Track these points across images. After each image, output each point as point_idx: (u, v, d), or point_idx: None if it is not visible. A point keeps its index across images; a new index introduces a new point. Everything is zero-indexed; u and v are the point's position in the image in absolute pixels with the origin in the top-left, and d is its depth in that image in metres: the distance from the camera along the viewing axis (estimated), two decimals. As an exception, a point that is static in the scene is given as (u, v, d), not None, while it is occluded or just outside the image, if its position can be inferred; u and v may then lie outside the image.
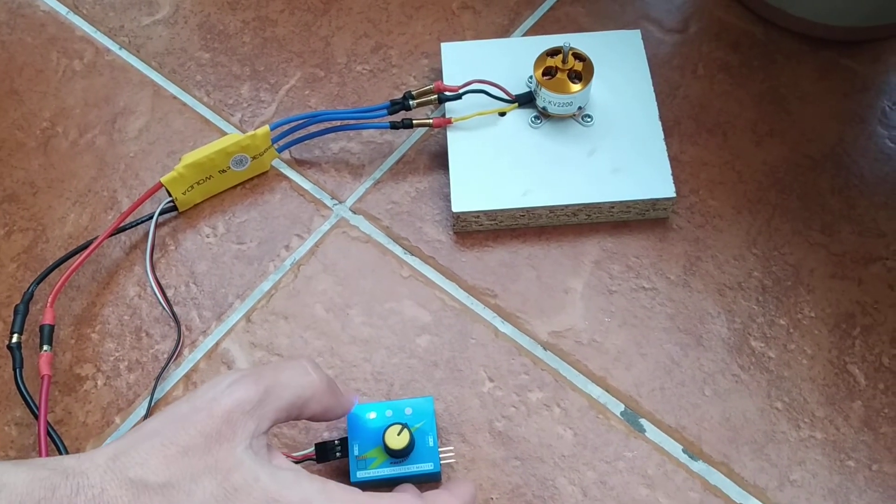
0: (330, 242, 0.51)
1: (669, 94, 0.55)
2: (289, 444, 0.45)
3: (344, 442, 0.43)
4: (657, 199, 0.49)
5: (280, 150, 0.52)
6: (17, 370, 0.45)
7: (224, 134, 0.55)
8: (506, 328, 0.48)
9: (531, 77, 0.51)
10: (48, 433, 0.43)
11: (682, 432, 0.45)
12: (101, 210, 0.53)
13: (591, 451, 0.44)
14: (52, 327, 0.46)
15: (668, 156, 0.50)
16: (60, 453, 0.44)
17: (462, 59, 0.53)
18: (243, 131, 0.55)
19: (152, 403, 0.46)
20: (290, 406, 0.37)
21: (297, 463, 0.43)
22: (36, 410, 0.44)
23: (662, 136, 0.50)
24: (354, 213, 0.52)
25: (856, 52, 0.56)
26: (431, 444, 0.43)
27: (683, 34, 0.57)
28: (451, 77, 0.52)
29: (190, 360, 0.48)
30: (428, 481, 0.43)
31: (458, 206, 0.49)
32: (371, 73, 0.57)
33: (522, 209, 0.49)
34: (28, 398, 0.44)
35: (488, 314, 0.48)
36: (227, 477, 0.34)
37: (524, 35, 0.58)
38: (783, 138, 0.53)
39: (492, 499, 0.43)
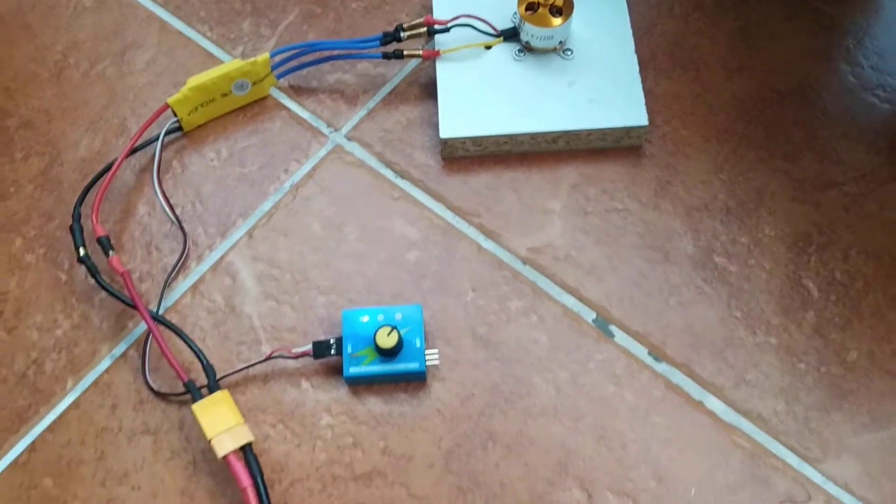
0: (326, 167, 0.55)
1: (647, 30, 0.58)
2: (287, 345, 0.49)
3: (338, 341, 0.47)
4: (631, 127, 0.52)
5: (279, 77, 0.56)
6: (97, 276, 0.49)
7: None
8: (488, 245, 0.52)
9: (515, 13, 0.54)
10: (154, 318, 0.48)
11: (648, 337, 0.49)
12: (111, 136, 0.56)
13: (564, 353, 0.48)
14: (107, 237, 0.50)
15: (644, 88, 0.53)
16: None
17: None
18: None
19: (160, 311, 0.50)
20: None
21: (295, 359, 0.48)
22: (131, 303, 0.48)
23: (637, 69, 0.54)
24: (349, 140, 0.56)
25: (823, -8, 0.59)
26: (418, 345, 0.47)
27: (661, -25, 0.60)
28: (441, 12, 0.56)
29: (197, 271, 0.52)
30: (414, 380, 0.48)
31: (445, 132, 0.52)
32: (365, 9, 0.60)
33: (506, 136, 0.52)
34: (117, 295, 0.49)
35: (472, 232, 0.52)
36: None
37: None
38: (752, 73, 0.57)
39: (473, 394, 0.47)
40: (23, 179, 0.55)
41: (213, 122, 0.56)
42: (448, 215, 0.53)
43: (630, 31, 0.55)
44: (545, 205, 0.53)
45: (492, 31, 0.54)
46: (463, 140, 0.52)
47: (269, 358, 0.48)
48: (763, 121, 0.55)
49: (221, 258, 0.52)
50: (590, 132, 0.53)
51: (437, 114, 0.53)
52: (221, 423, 0.43)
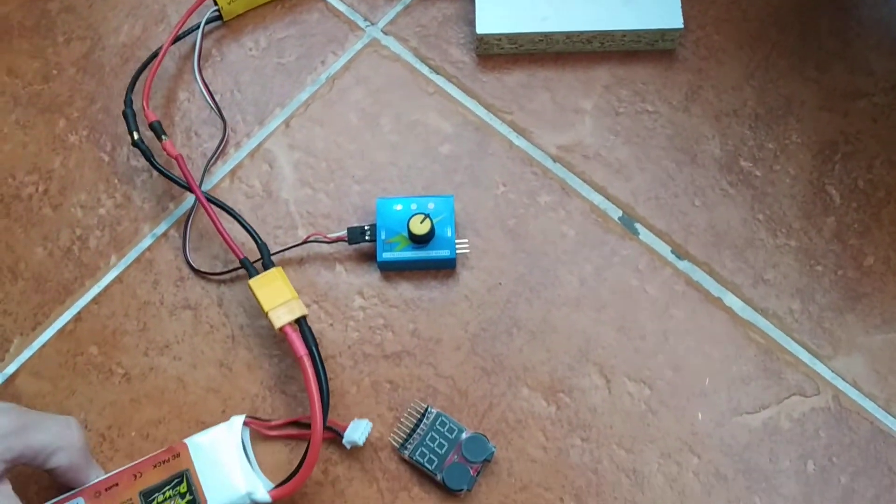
0: (362, 60, 0.56)
1: (686, -65, 0.58)
2: (322, 230, 0.51)
3: (372, 228, 0.49)
4: (666, 30, 0.53)
5: None
6: (152, 158, 0.50)
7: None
8: (520, 142, 0.53)
9: None
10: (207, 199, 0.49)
11: (671, 235, 0.50)
12: (151, 22, 0.57)
13: (589, 248, 0.50)
14: (158, 122, 0.51)
15: (680, -8, 0.54)
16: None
17: None
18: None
19: (226, 123, 0.52)
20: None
21: (330, 244, 0.49)
22: (187, 185, 0.49)
23: None
24: (385, 34, 0.56)
25: None
26: (449, 234, 0.49)
27: None
28: None
29: (235, 157, 0.53)
30: (445, 267, 0.49)
31: (482, 28, 0.53)
32: None
33: (541, 34, 0.53)
34: (173, 178, 0.50)
35: (504, 129, 0.53)
36: None
37: None
38: (789, -19, 0.57)
39: (500, 283, 0.49)
40: (65, 62, 0.56)
41: (252, 13, 0.57)
42: (481, 111, 0.54)
43: None
44: (577, 104, 0.54)
45: None
46: (499, 37, 0.53)
47: (305, 241, 0.49)
48: (797, 29, 0.55)
49: (259, 145, 0.53)
50: (625, 33, 0.53)
51: (473, 11, 0.54)
52: (277, 297, 0.45)
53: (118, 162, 0.53)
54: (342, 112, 0.54)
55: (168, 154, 0.49)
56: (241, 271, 0.49)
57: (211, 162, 0.52)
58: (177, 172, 0.50)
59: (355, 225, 0.50)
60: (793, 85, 0.54)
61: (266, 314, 0.45)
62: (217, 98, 0.55)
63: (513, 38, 0.53)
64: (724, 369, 0.47)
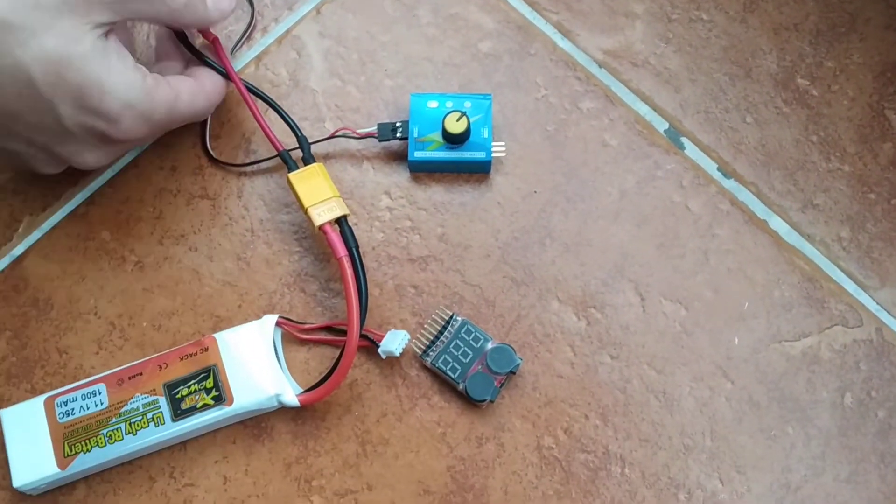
0: (401, -53, 0.52)
1: None
2: (350, 125, 0.48)
3: (404, 125, 0.46)
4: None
5: None
6: (185, 39, 0.46)
7: None
8: (564, 44, 0.50)
9: None
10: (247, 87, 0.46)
11: (719, 152, 0.48)
12: None
13: (631, 160, 0.47)
14: None
15: None
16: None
17: None
18: None
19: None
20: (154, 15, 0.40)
21: (359, 139, 0.47)
22: (223, 70, 0.45)
23: None
24: (427, -80, 0.53)
25: None
26: (486, 136, 0.46)
27: None
28: None
29: (261, 43, 0.50)
30: (478, 170, 0.47)
31: None
32: None
33: None
34: (209, 62, 0.46)
35: (549, 29, 0.50)
36: (67, 45, 0.37)
37: None
38: None
39: (535, 192, 0.47)
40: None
41: None
42: (525, 9, 0.50)
43: None
44: (628, 7, 0.50)
45: None
46: None
47: (333, 136, 0.47)
48: (867, -58, 0.52)
49: (287, 31, 0.50)
50: (684, -66, 0.50)
51: None
52: (318, 194, 0.43)
53: (139, 40, 0.50)
54: (377, 0, 0.51)
55: (204, 37, 0.46)
56: (270, 163, 0.47)
57: (237, 46, 0.49)
58: (213, 57, 0.46)
59: (386, 121, 0.47)
60: (859, 1, 0.50)
61: (305, 210, 0.42)
62: (244, -22, 0.51)
63: None
64: (764, 294, 0.45)
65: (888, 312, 0.45)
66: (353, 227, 0.46)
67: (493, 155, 0.46)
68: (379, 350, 0.42)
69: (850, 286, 0.45)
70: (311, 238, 0.46)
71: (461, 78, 0.49)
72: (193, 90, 0.43)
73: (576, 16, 0.50)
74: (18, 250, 0.47)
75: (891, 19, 0.50)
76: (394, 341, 0.42)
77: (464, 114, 0.45)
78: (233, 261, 0.46)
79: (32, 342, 0.45)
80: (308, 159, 0.45)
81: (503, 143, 0.47)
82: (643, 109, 0.48)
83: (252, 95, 0.46)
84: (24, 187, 0.48)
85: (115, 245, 0.47)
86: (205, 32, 0.46)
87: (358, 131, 0.47)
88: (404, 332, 0.42)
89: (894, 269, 0.45)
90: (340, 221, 0.43)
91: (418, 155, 0.46)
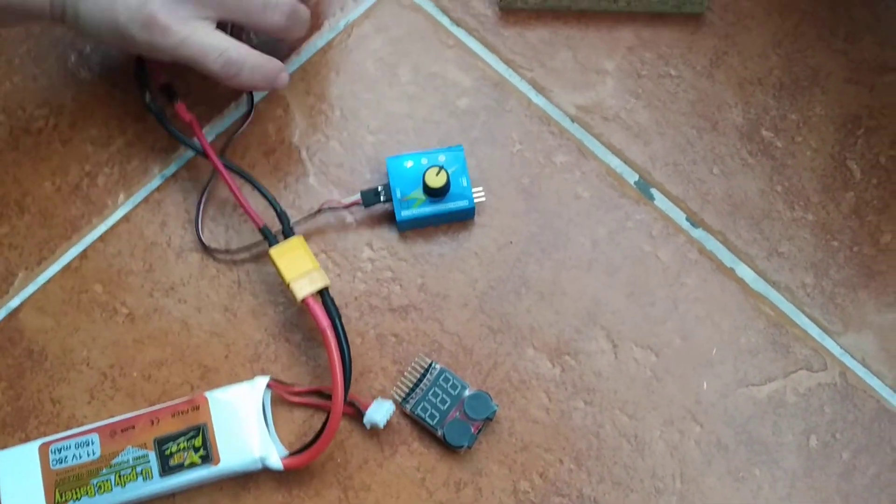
0: (383, 9, 0.54)
1: None
2: (333, 179, 0.50)
3: (386, 188, 0.48)
4: (693, -9, 0.52)
5: None
6: (165, 123, 0.48)
7: None
8: (538, 99, 0.52)
9: None
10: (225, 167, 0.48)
11: (687, 203, 0.50)
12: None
13: (603, 211, 0.49)
14: (170, 84, 0.49)
15: (711, -46, 0.53)
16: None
17: None
18: None
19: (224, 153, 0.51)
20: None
21: (345, 209, 0.48)
22: (202, 149, 0.47)
23: None
24: (407, -17, 0.55)
25: None
26: (465, 184, 0.48)
27: None
28: None
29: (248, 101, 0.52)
30: (464, 218, 0.49)
31: None
32: None
33: None
34: (188, 143, 0.48)
35: (524, 86, 0.52)
36: None
37: None
38: (823, -51, 0.55)
39: (511, 242, 0.49)
40: (80, -5, 0.55)
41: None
42: (501, 67, 0.53)
43: None
44: (599, 64, 0.53)
45: None
46: None
47: (319, 212, 0.48)
48: (828, -1, 0.54)
49: (274, 90, 0.52)
50: (652, -7, 0.52)
51: (497, -37, 0.53)
52: (298, 267, 0.44)
53: (130, 100, 0.52)
54: (359, 60, 0.53)
55: (181, 118, 0.48)
56: (260, 249, 0.48)
57: (238, 132, 0.51)
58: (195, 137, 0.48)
59: (368, 187, 0.49)
60: (820, 55, 0.53)
61: (287, 285, 0.44)
62: (233, 39, 0.53)
63: None
64: (732, 340, 0.47)
65: (851, 356, 0.47)
66: (337, 279, 0.48)
67: (476, 200, 0.48)
68: (364, 420, 0.44)
69: (814, 331, 0.47)
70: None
71: (440, 133, 0.51)
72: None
73: (549, 73, 0.52)
74: (14, 303, 0.49)
75: (850, 73, 0.52)
76: (379, 411, 0.43)
77: (441, 167, 0.47)
78: (220, 312, 0.48)
79: (27, 392, 0.47)
80: (288, 232, 0.47)
81: (481, 188, 0.49)
82: (614, 162, 0.51)
83: (231, 172, 0.47)
84: (19, 241, 0.50)
85: (108, 297, 0.49)
86: (182, 113, 0.48)
87: (343, 202, 0.48)
88: (389, 402, 0.44)
89: (857, 315, 0.47)
90: (323, 293, 0.44)
91: (405, 214, 0.48)
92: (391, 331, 0.47)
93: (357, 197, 0.48)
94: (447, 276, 0.48)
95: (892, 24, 0.53)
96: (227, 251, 0.49)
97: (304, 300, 0.44)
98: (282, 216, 0.47)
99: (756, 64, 0.53)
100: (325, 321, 0.43)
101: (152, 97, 0.49)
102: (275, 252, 0.45)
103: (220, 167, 0.47)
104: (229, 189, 0.47)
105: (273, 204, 0.47)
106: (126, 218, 0.50)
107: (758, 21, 0.53)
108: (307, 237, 0.49)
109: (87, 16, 0.44)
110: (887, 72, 0.52)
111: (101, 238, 0.50)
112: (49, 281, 0.49)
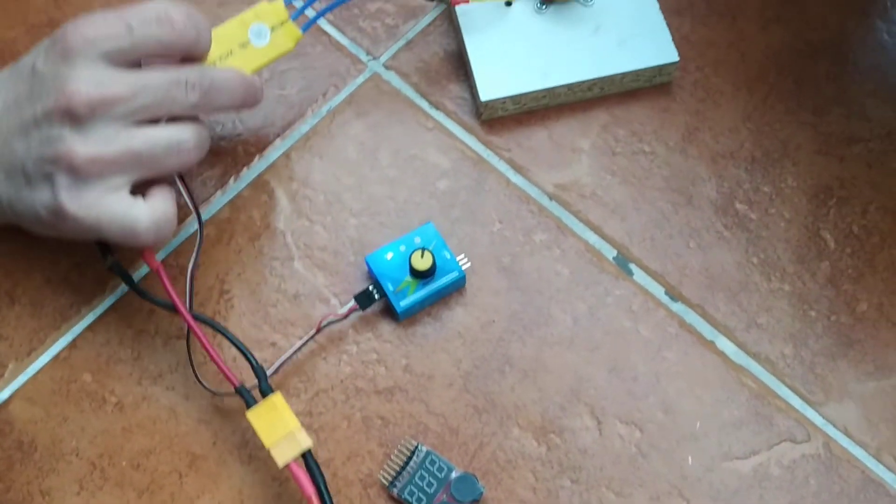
0: (363, 94, 0.56)
1: (686, -23, 0.59)
2: (317, 263, 0.51)
3: (377, 285, 0.49)
4: (663, 65, 0.53)
5: (304, 30, 0.51)
6: (132, 284, 0.48)
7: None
8: (517, 179, 0.53)
9: None
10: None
11: (665, 277, 0.50)
12: (156, 51, 0.58)
13: (583, 287, 0.50)
14: None
15: (679, 34, 0.54)
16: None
17: None
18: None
19: (202, 224, 0.52)
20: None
21: (343, 319, 0.49)
22: (170, 305, 0.46)
23: (657, 6, 0.55)
24: (387, 69, 0.57)
25: (866, -52, 0.59)
26: (448, 257, 0.49)
27: (706, -79, 0.60)
28: None
29: (234, 188, 0.54)
30: (457, 289, 0.50)
31: (485, 94, 0.52)
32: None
33: (544, 90, 0.53)
34: (155, 301, 0.48)
35: (502, 166, 0.54)
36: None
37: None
38: (787, 25, 0.57)
39: (493, 321, 0.50)
40: (69, 89, 0.57)
41: (255, 44, 0.58)
42: (479, 148, 0.54)
43: None
44: (574, 143, 0.54)
45: None
46: (503, 100, 0.53)
47: (318, 331, 0.48)
48: (794, 72, 0.56)
49: (259, 176, 0.54)
50: (624, 75, 0.54)
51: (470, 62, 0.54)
52: (278, 429, 0.43)
53: (118, 190, 0.54)
54: (342, 145, 0.54)
55: (148, 265, 0.47)
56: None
57: (193, 268, 0.48)
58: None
59: (351, 270, 0.50)
60: (789, 128, 0.54)
61: (268, 450, 0.43)
62: (218, 129, 0.55)
63: (517, 98, 0.53)
64: (715, 413, 0.47)
65: (834, 426, 0.47)
66: (322, 362, 0.49)
67: (463, 267, 0.49)
68: None
69: (796, 402, 0.48)
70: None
71: (421, 214, 0.52)
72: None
73: (526, 152, 0.54)
74: (4, 395, 0.49)
75: (820, 144, 0.54)
76: None
77: (423, 248, 0.48)
78: (208, 399, 0.48)
79: (16, 485, 0.47)
80: (266, 390, 0.45)
81: (464, 255, 0.50)
82: (592, 238, 0.52)
83: (203, 324, 0.46)
84: (9, 332, 0.50)
85: (96, 386, 0.49)
86: (148, 260, 0.47)
87: (339, 313, 0.49)
88: None
89: (837, 384, 0.48)
90: (306, 456, 0.43)
91: (404, 304, 0.48)
92: (377, 413, 0.48)
93: (353, 304, 0.49)
94: (431, 356, 0.49)
95: (857, 96, 0.55)
96: (215, 393, 0.48)
97: (286, 466, 0.43)
98: (258, 371, 0.45)
99: (727, 138, 0.54)
100: (309, 488, 0.42)
101: (113, 258, 0.48)
102: (252, 415, 0.44)
103: (191, 323, 0.46)
104: (200, 343, 0.45)
105: (248, 357, 0.46)
106: (114, 307, 0.51)
107: (727, 96, 0.55)
108: (292, 316, 0.50)
109: (10, 208, 0.45)
110: (855, 143, 0.54)
111: (90, 327, 0.50)
112: (39, 371, 0.49)
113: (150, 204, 0.44)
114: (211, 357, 0.45)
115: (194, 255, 0.47)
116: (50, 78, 0.42)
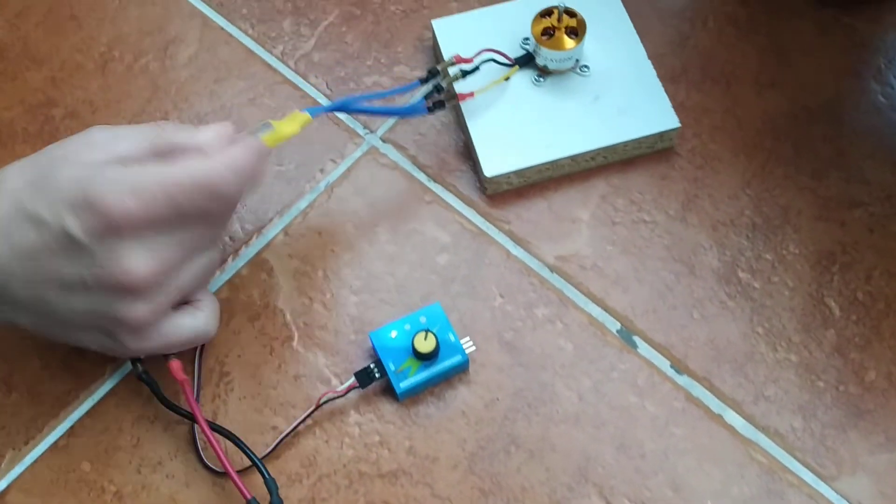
0: (361, 168, 0.56)
1: (679, 43, 0.59)
2: (317, 343, 0.50)
3: (378, 364, 0.48)
4: (664, 131, 0.53)
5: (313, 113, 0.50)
6: (159, 391, 0.48)
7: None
8: (517, 251, 0.53)
9: (526, 39, 0.55)
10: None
11: (670, 350, 0.50)
12: (153, 130, 0.58)
13: (587, 362, 0.50)
14: None
15: (675, 101, 0.54)
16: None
17: (455, 33, 0.57)
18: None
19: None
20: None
21: (343, 396, 0.48)
22: (191, 416, 0.47)
23: (655, 73, 0.55)
24: (384, 142, 0.57)
25: (856, 11, 0.60)
26: (453, 339, 0.48)
27: (697, -12, 0.61)
28: (449, 50, 0.55)
29: (233, 267, 0.53)
30: (460, 372, 0.49)
31: (489, 170, 0.52)
32: (403, 12, 0.61)
33: (548, 163, 0.53)
34: (178, 410, 0.48)
35: (502, 238, 0.53)
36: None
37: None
38: (783, 89, 0.57)
39: (497, 399, 0.49)
40: (66, 169, 0.57)
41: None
42: (478, 220, 0.54)
43: (636, 35, 0.56)
44: (574, 214, 0.54)
45: (507, 62, 0.55)
46: (508, 175, 0.53)
47: (317, 407, 0.48)
48: (792, 137, 0.56)
49: (258, 254, 0.53)
50: (626, 143, 0.54)
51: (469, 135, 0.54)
52: None
53: (116, 271, 0.53)
54: (340, 221, 0.54)
55: (173, 376, 0.47)
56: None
57: (199, 391, 0.50)
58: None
59: (352, 349, 0.49)
60: (789, 194, 0.54)
61: None
62: (216, 207, 0.55)
63: (521, 172, 0.53)
64: (725, 490, 0.46)
65: (848, 502, 0.46)
66: (325, 446, 0.48)
67: (467, 351, 0.48)
68: None
69: (808, 477, 0.47)
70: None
71: (421, 290, 0.52)
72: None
73: (526, 224, 0.54)
74: (1, 486, 0.48)
75: (820, 209, 0.53)
76: None
77: (427, 330, 0.48)
78: (208, 485, 0.48)
79: (13, 581, 0.46)
80: (276, 503, 0.45)
81: (469, 339, 0.49)
82: (595, 311, 0.51)
83: (216, 434, 0.47)
84: (6, 421, 0.50)
85: (95, 476, 0.48)
86: (175, 372, 0.47)
87: (339, 390, 0.48)
88: None
89: (849, 457, 0.47)
90: None
91: (404, 385, 0.47)
92: (381, 498, 0.47)
93: (352, 381, 0.48)
94: (435, 437, 0.48)
95: (855, 159, 0.55)
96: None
97: None
98: (269, 484, 0.45)
99: (727, 205, 0.54)
100: None
101: (143, 367, 0.48)
102: None
103: (210, 437, 0.46)
104: (218, 458, 0.45)
105: (261, 470, 0.46)
106: (113, 391, 0.50)
107: (725, 163, 0.55)
108: (293, 398, 0.49)
109: (45, 333, 0.46)
110: (855, 207, 0.53)
111: (89, 414, 0.50)
112: (37, 461, 0.49)
113: (201, 306, 0.47)
114: (226, 470, 0.45)
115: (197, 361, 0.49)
116: (99, 252, 0.41)
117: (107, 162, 0.42)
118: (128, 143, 0.43)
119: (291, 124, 0.48)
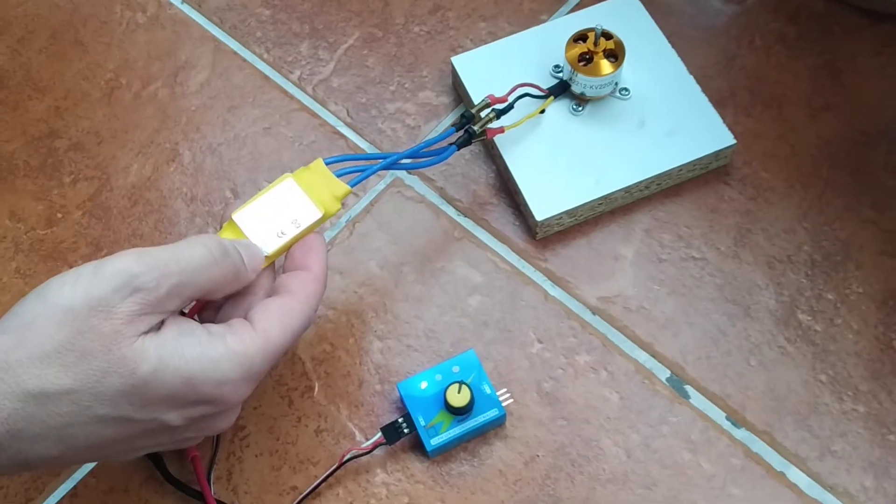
0: (385, 201, 0.52)
1: (726, 64, 0.55)
2: (340, 393, 0.46)
3: (407, 417, 0.44)
4: (720, 150, 0.49)
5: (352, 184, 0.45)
6: (166, 471, 0.45)
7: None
8: (556, 292, 0.49)
9: (557, 66, 0.52)
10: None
11: (726, 400, 0.46)
12: (163, 161, 0.54)
13: (635, 414, 0.45)
14: None
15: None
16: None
17: (477, 68, 0.53)
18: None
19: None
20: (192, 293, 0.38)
21: (367, 454, 0.44)
22: (200, 496, 0.44)
23: (700, 89, 0.51)
24: (409, 173, 0.53)
25: (917, 27, 0.55)
26: (489, 391, 0.44)
27: (742, 4, 0.57)
28: (475, 88, 0.52)
29: (248, 310, 0.49)
30: (495, 427, 0.45)
31: (540, 214, 0.48)
32: (428, 34, 0.57)
33: (600, 198, 0.49)
34: (186, 489, 0.44)
35: (539, 277, 0.49)
36: (134, 372, 0.35)
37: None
38: (838, 113, 0.53)
39: (538, 456, 0.45)
40: (70, 205, 0.53)
41: (273, 158, 0.54)
42: (513, 258, 0.50)
43: (673, 51, 0.53)
44: (617, 250, 0.50)
45: (540, 93, 0.50)
46: (559, 216, 0.49)
47: (341, 465, 0.44)
48: (850, 165, 0.52)
49: (274, 297, 0.50)
50: (681, 167, 0.49)
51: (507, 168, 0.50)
52: None
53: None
54: (363, 260, 0.50)
55: (186, 454, 0.44)
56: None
57: (211, 471, 0.45)
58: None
59: (387, 422, 0.45)
60: (850, 227, 0.50)
61: None
62: (229, 245, 0.51)
63: (572, 211, 0.49)
64: (792, 558, 0.42)
65: (928, 570, 0.42)
66: (349, 508, 0.44)
67: (504, 405, 0.44)
68: None
69: (882, 542, 0.42)
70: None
71: (452, 335, 0.48)
72: (282, 319, 0.39)
73: (564, 262, 0.50)
74: (-2, 552, 0.44)
75: (884, 244, 0.49)
76: None
77: (461, 382, 0.43)
78: (223, 552, 0.44)
79: None
80: None
81: (506, 391, 0.45)
82: (642, 357, 0.47)
83: None
84: (5, 481, 0.46)
85: (100, 541, 0.44)
86: (188, 451, 0.44)
87: (364, 446, 0.44)
88: None
89: (927, 520, 0.43)
90: None
91: (435, 442, 0.44)
92: (412, 567, 0.43)
93: (379, 436, 0.44)
94: (469, 498, 0.44)
95: (921, 188, 0.51)
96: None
97: None
98: None
99: (783, 240, 0.50)
100: None
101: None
102: None
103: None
104: None
105: None
106: (119, 448, 0.46)
107: (779, 194, 0.51)
108: (314, 455, 0.45)
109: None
110: (924, 241, 0.49)
111: (92, 473, 0.46)
112: (36, 524, 0.45)
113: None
114: None
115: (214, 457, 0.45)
116: (149, 419, 0.37)
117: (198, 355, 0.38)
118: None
119: (335, 204, 0.43)
